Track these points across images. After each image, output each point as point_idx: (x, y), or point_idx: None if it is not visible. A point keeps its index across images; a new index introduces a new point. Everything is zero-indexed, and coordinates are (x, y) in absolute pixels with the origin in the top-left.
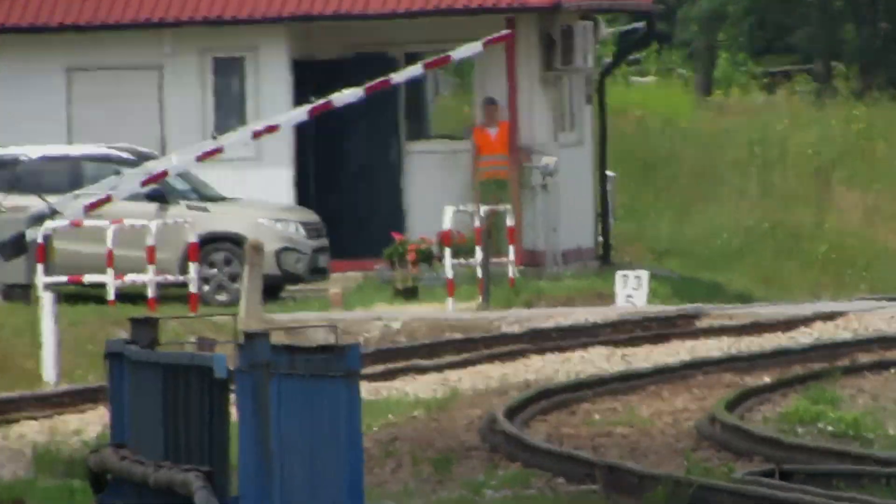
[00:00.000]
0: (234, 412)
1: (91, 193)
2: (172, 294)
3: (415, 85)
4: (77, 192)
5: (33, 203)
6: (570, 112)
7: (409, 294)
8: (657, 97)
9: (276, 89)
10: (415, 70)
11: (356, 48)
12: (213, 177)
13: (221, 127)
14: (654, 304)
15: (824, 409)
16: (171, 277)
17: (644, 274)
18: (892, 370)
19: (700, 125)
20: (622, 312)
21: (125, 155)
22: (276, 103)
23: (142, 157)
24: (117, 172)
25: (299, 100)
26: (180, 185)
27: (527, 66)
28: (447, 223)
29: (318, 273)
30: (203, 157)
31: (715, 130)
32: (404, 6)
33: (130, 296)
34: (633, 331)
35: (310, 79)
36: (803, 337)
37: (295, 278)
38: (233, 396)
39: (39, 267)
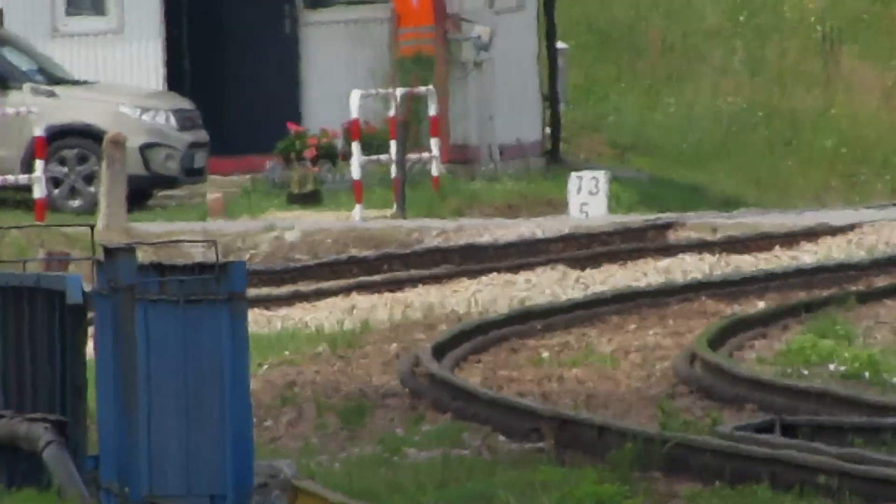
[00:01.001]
0: (91, 346)
1: None
2: (14, 199)
3: None
4: None
5: None
6: None
7: (309, 199)
8: None
9: None
10: None
11: None
12: (63, 55)
13: None
14: (617, 213)
15: (834, 345)
16: (11, 178)
17: (603, 175)
18: None
19: None
20: (576, 224)
21: None
22: None
23: None
24: None
25: None
26: (23, 63)
27: None
28: (354, 111)
29: (194, 174)
30: None
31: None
32: None
33: None
34: (590, 247)
35: None
36: (806, 255)
37: (166, 180)
38: (90, 327)
39: None
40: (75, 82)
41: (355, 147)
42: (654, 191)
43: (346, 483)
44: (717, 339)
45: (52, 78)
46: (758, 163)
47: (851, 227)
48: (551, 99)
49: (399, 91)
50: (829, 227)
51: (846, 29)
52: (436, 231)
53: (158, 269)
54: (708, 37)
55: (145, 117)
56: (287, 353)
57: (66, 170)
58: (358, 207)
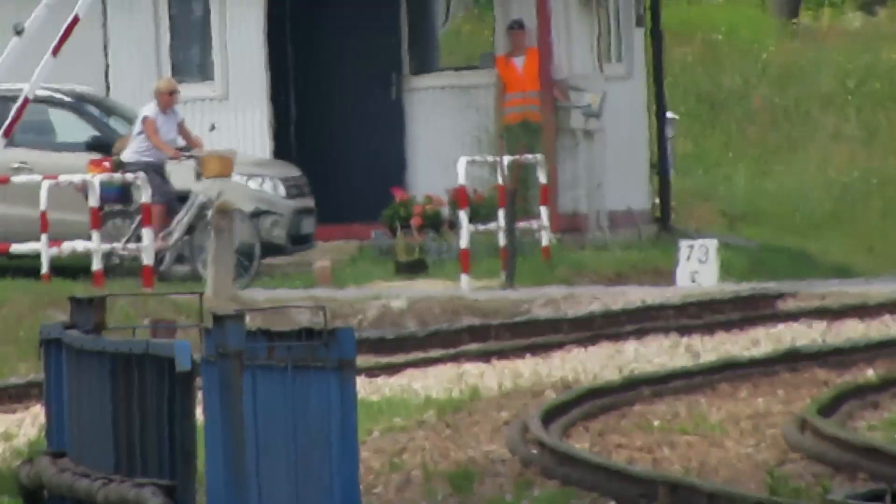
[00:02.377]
0: (200, 412)
1: None
2: (121, 266)
3: (420, 5)
4: None
5: None
6: (616, 37)
7: (415, 268)
8: (727, 17)
9: (245, 17)
10: None
11: None
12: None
13: (180, 64)
14: (727, 281)
15: None
16: (119, 246)
17: (712, 243)
18: None
19: (783, 54)
20: (686, 292)
21: (61, 96)
22: (247, 35)
23: (81, 99)
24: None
25: (276, 29)
26: (129, 131)
27: None
28: (461, 178)
29: (301, 241)
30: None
31: (802, 61)
32: None
33: (70, 269)
34: (700, 315)
35: (290, 3)
36: None
37: (273, 248)
38: (199, 393)
39: None
40: (181, 150)
41: (462, 215)
42: (764, 259)
43: None
44: (828, 407)
45: None
46: (870, 231)
47: None
48: (660, 167)
49: (506, 158)
50: None
51: None
52: (544, 300)
53: (267, 335)
54: (820, 104)
55: (252, 185)
56: (396, 420)
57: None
58: (465, 277)
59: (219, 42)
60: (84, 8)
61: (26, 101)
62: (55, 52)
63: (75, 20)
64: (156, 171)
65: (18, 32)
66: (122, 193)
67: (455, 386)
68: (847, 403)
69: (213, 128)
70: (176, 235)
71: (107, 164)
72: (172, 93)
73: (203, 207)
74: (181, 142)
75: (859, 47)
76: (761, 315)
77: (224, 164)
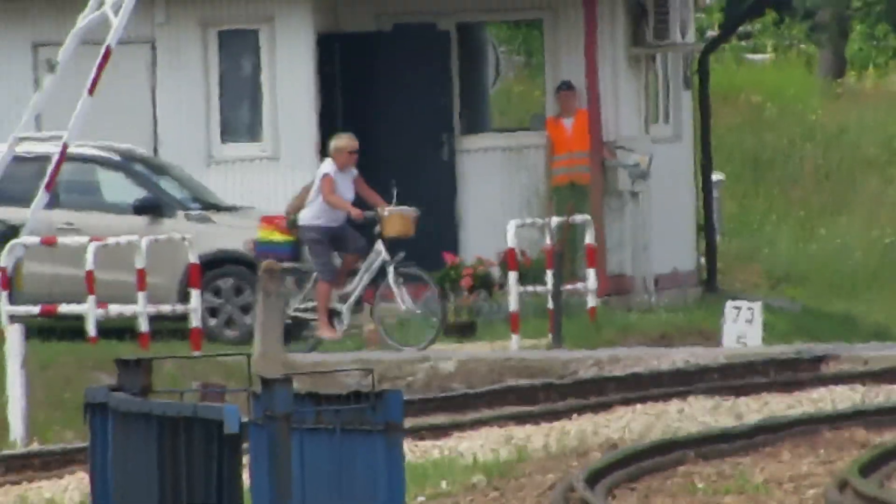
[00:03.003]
0: (247, 475)
1: None
2: (169, 329)
3: (471, 64)
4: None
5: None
6: (664, 99)
7: (465, 329)
8: (774, 80)
9: (295, 74)
10: None
11: (394, 19)
12: (218, 181)
13: (229, 123)
14: (771, 343)
15: None
16: (166, 308)
17: (757, 305)
18: None
19: (828, 115)
20: (731, 354)
21: (109, 155)
22: (296, 94)
23: (130, 161)
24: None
25: (325, 88)
26: (177, 192)
27: (611, 41)
28: (511, 240)
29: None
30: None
31: (847, 122)
32: None
33: (116, 330)
34: (744, 376)
35: (338, 59)
36: None
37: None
38: (246, 456)
39: (3, 295)
40: (230, 209)
41: (512, 277)
42: (807, 321)
43: None
44: (869, 468)
45: (207, 205)
46: None
47: None
48: (707, 229)
49: (554, 220)
50: None
51: None
52: (591, 361)
53: (315, 398)
54: (863, 166)
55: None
56: (443, 484)
57: (221, 299)
58: (514, 338)
59: (269, 100)
60: (115, 39)
61: (65, 147)
62: (91, 90)
63: (107, 53)
64: (329, 241)
65: (52, 68)
66: (293, 251)
67: (502, 448)
68: (888, 465)
69: (394, 185)
70: (356, 294)
71: (279, 222)
72: (353, 151)
73: (384, 266)
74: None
75: None
76: (804, 378)
77: (405, 223)
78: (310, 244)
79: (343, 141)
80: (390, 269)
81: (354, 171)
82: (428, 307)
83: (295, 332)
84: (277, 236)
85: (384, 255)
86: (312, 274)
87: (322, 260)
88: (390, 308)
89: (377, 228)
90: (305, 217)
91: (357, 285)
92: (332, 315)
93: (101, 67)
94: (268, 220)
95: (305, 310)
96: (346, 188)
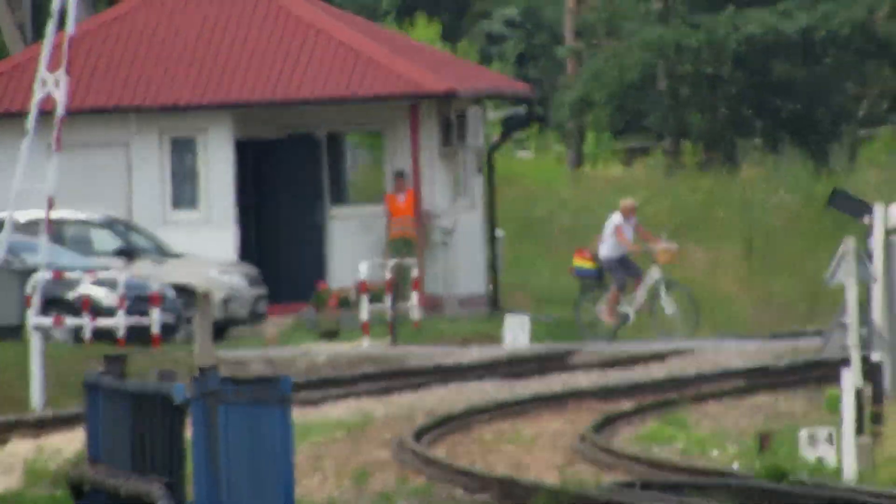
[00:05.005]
0: (189, 432)
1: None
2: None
3: (336, 160)
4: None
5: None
6: (464, 181)
7: (332, 334)
8: (537, 169)
9: (221, 166)
10: None
11: (288, 129)
12: (170, 236)
13: (178, 197)
14: (535, 343)
15: (675, 431)
16: (136, 320)
17: (526, 318)
18: (729, 398)
19: (572, 193)
20: (510, 351)
21: (98, 218)
22: (222, 179)
23: (112, 222)
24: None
25: (241, 175)
26: (143, 242)
27: (428, 142)
28: (363, 274)
29: (257, 317)
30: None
31: (584, 197)
32: (328, 93)
33: (106, 333)
34: (518, 366)
35: (250, 156)
36: (659, 371)
37: (239, 321)
38: (189, 419)
39: (29, 311)
40: (178, 255)
41: (363, 299)
42: (560, 328)
43: None
44: (600, 427)
45: (163, 252)
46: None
47: (690, 352)
48: (493, 267)
49: (392, 261)
50: (675, 352)
51: (685, 223)
52: (417, 355)
53: (234, 381)
54: (597, 227)
55: (225, 278)
56: (317, 437)
57: (174, 314)
58: (365, 339)
59: (203, 183)
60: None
61: (51, 200)
62: (57, 147)
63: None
64: (620, 263)
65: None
66: (598, 274)
67: (357, 413)
68: (612, 425)
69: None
70: (638, 302)
71: (587, 254)
72: (633, 209)
73: (656, 286)
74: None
75: (621, 187)
76: (558, 366)
77: (671, 255)
78: (610, 268)
79: (628, 202)
80: (662, 285)
81: (634, 220)
82: (687, 313)
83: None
84: (587, 263)
85: (658, 275)
86: (613, 287)
87: (618, 276)
88: (282, 319)
89: (652, 258)
90: (604, 251)
91: (640, 295)
92: (618, 312)
93: (59, 126)
94: (580, 253)
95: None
96: (628, 231)
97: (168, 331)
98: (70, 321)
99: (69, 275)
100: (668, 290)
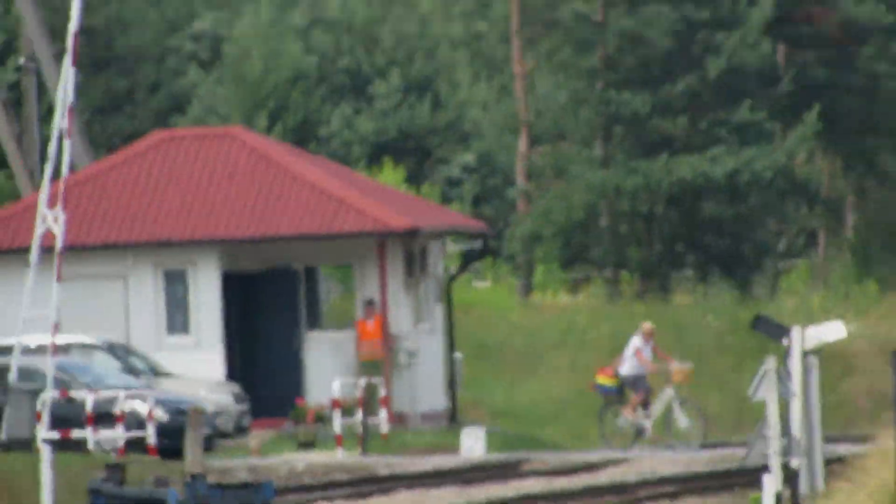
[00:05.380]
0: None
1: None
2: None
3: (312, 290)
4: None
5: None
6: (426, 308)
7: (309, 444)
8: (491, 298)
9: (210, 296)
10: None
11: (269, 262)
12: (165, 358)
13: (171, 324)
14: (491, 452)
15: None
16: (135, 432)
17: (482, 430)
18: (663, 501)
19: (524, 318)
20: (467, 459)
21: (99, 343)
22: (210, 307)
23: (112, 346)
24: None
25: (227, 303)
26: (141, 364)
27: (394, 274)
28: (336, 392)
29: (242, 430)
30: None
31: (535, 322)
32: (304, 230)
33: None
34: (474, 473)
35: (236, 286)
36: (601, 477)
37: (225, 434)
38: None
39: (39, 426)
40: (171, 375)
41: (336, 414)
42: (513, 440)
43: None
44: None
45: (158, 372)
46: (574, 423)
47: (625, 461)
48: (451, 385)
49: (362, 380)
50: (612, 461)
51: (626, 343)
52: (384, 463)
53: (221, 486)
54: (546, 349)
55: (213, 396)
56: None
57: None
58: (339, 450)
59: (194, 311)
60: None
61: (56, 325)
62: (58, 278)
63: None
64: (639, 380)
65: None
66: (618, 391)
67: None
68: None
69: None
70: (652, 418)
71: (609, 373)
72: (652, 333)
73: (671, 402)
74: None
75: (567, 314)
76: (511, 473)
77: (685, 374)
78: (632, 383)
79: (647, 325)
80: (676, 401)
81: (652, 342)
82: (696, 424)
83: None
84: (609, 381)
85: (673, 392)
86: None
87: (638, 389)
88: (264, 432)
89: (670, 374)
90: (625, 370)
91: (656, 410)
92: (637, 425)
93: (59, 261)
94: (603, 371)
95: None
96: (648, 352)
97: (206, 441)
98: (76, 434)
99: (74, 394)
100: (681, 405)
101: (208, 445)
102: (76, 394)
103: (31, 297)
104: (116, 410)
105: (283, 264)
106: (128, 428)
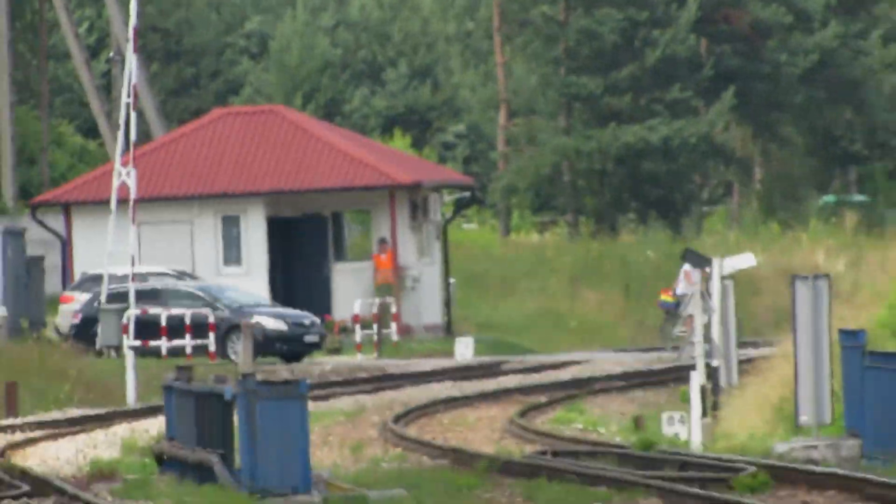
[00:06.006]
0: (236, 419)
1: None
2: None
3: (337, 231)
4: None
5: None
6: (427, 245)
7: (335, 350)
8: (478, 237)
9: (257, 236)
10: None
11: (304, 210)
12: (221, 283)
13: (227, 257)
14: (478, 356)
15: (576, 415)
16: (199, 342)
17: (471, 339)
18: (613, 392)
19: (503, 252)
20: (459, 361)
21: (171, 271)
22: (257, 244)
23: (181, 274)
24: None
25: (271, 241)
26: (204, 293)
27: (402, 219)
28: (357, 309)
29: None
30: None
31: (512, 255)
32: (331, 184)
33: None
34: (465, 372)
35: (276, 230)
36: (565, 374)
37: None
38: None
39: (125, 337)
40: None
41: (357, 327)
42: (495, 346)
43: (354, 480)
44: (523, 413)
45: (215, 296)
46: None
47: (585, 361)
48: (447, 304)
49: (377, 300)
50: (574, 361)
51: (582, 273)
52: (395, 365)
53: (267, 383)
54: (521, 277)
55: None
56: (326, 421)
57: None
58: (359, 354)
59: (245, 247)
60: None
61: (133, 258)
62: (133, 221)
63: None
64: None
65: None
66: (675, 305)
67: (354, 405)
68: (532, 412)
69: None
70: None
71: (669, 293)
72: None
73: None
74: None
75: (537, 249)
76: (494, 371)
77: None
78: (684, 302)
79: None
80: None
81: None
82: None
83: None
84: (669, 298)
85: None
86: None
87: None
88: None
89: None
90: (679, 289)
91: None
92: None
93: (133, 208)
94: (665, 291)
95: (680, 332)
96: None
97: (315, 346)
98: (153, 343)
99: (152, 311)
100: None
101: (309, 351)
102: (154, 311)
103: (114, 237)
104: (243, 322)
105: (314, 211)
106: (256, 338)
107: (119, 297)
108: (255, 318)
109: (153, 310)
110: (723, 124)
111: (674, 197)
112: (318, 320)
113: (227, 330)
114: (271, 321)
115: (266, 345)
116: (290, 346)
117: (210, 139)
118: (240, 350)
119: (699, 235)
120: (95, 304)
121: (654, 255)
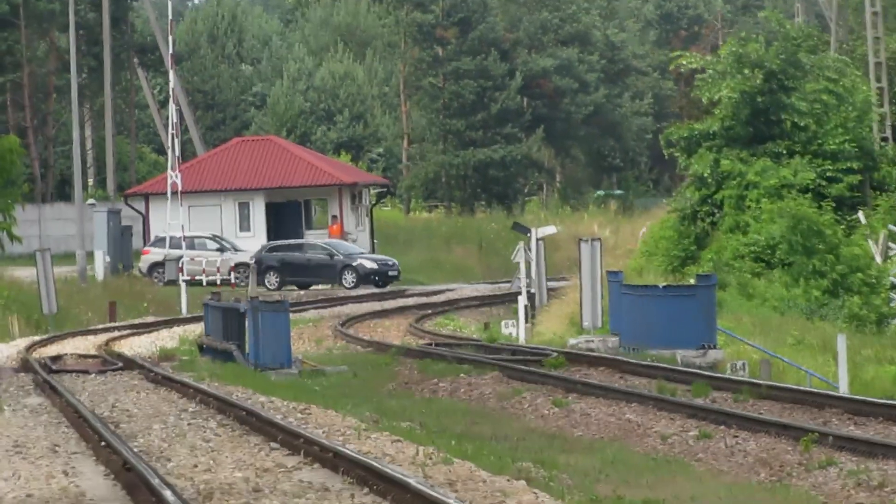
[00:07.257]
0: (246, 323)
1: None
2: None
3: (308, 211)
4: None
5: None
6: (360, 219)
7: (306, 286)
8: (390, 215)
9: (259, 214)
10: None
11: (287, 198)
12: (239, 243)
13: (241, 226)
14: (396, 286)
15: (450, 321)
16: (225, 276)
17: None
18: (472, 307)
19: (406, 224)
20: (379, 290)
21: (207, 235)
22: (260, 219)
23: (214, 237)
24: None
25: (268, 218)
26: (227, 245)
27: (346, 204)
28: None
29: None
30: None
31: (411, 226)
32: (304, 183)
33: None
34: (384, 295)
35: (271, 210)
36: (442, 297)
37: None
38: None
39: (180, 275)
40: (242, 250)
41: None
42: (402, 281)
43: (317, 360)
44: (419, 320)
45: (235, 249)
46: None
47: (456, 289)
48: (372, 249)
49: None
50: (450, 289)
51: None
52: (341, 291)
53: (266, 302)
54: (420, 236)
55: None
56: (300, 325)
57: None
58: (320, 285)
59: (252, 220)
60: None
61: (182, 227)
62: (181, 205)
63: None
64: None
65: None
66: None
67: (318, 315)
68: (424, 319)
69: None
70: None
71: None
72: None
73: None
74: None
75: (426, 222)
76: (402, 294)
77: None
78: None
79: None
80: None
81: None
82: None
83: None
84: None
85: None
86: None
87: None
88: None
89: None
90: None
91: None
92: None
93: (180, 196)
94: None
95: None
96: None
97: (395, 278)
98: (198, 278)
99: (197, 257)
100: None
101: (391, 281)
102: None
103: (171, 215)
104: (354, 263)
105: (293, 199)
106: (359, 273)
107: (274, 248)
108: (359, 261)
109: (293, 256)
110: (536, 147)
111: (508, 191)
112: (396, 262)
113: (341, 268)
114: (368, 262)
115: (365, 277)
116: (380, 277)
117: (231, 156)
118: (251, 280)
119: (523, 214)
120: (169, 258)
121: (496, 226)
